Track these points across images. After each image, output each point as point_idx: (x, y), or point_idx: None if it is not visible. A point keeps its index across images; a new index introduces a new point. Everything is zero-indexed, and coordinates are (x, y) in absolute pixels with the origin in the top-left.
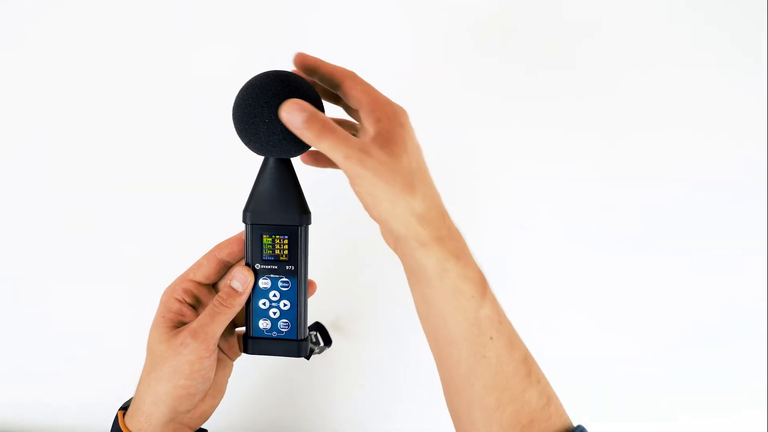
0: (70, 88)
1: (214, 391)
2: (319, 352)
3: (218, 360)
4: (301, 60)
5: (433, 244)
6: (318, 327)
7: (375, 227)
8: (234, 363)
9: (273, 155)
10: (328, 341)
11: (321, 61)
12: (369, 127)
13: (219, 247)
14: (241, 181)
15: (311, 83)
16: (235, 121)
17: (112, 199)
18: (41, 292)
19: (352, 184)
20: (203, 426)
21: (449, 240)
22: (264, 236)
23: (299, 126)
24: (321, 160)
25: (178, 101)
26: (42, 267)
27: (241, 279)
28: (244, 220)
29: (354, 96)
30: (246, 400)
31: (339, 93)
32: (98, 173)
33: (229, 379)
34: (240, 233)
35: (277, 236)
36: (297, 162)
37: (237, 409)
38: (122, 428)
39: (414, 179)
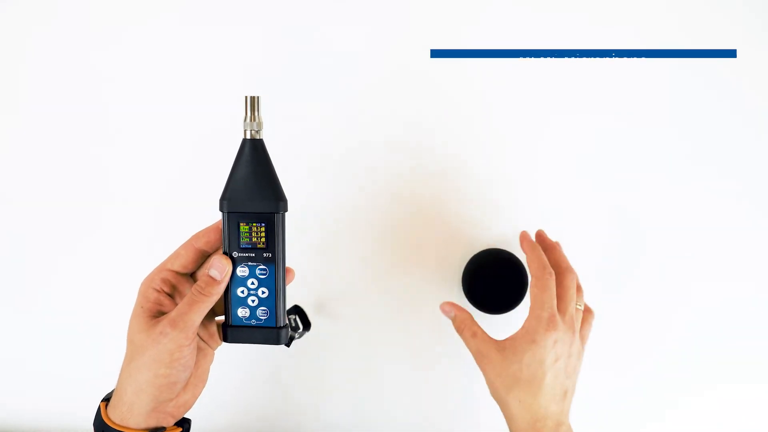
0: (45, 80)
1: (195, 380)
2: (299, 337)
3: (199, 349)
4: (521, 240)
5: None
6: (297, 310)
7: (354, 214)
8: (215, 352)
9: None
10: (307, 325)
11: (530, 251)
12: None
13: (196, 236)
14: (217, 171)
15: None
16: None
17: (88, 195)
18: (21, 292)
19: None
20: (186, 416)
21: None
22: (241, 224)
23: (450, 317)
24: None
25: (157, 93)
26: (18, 266)
27: (218, 267)
28: (221, 209)
29: (531, 295)
30: (230, 393)
31: None
32: (73, 169)
33: (209, 377)
34: (217, 222)
35: (254, 224)
36: (273, 149)
37: (220, 404)
38: (105, 419)
39: (515, 385)
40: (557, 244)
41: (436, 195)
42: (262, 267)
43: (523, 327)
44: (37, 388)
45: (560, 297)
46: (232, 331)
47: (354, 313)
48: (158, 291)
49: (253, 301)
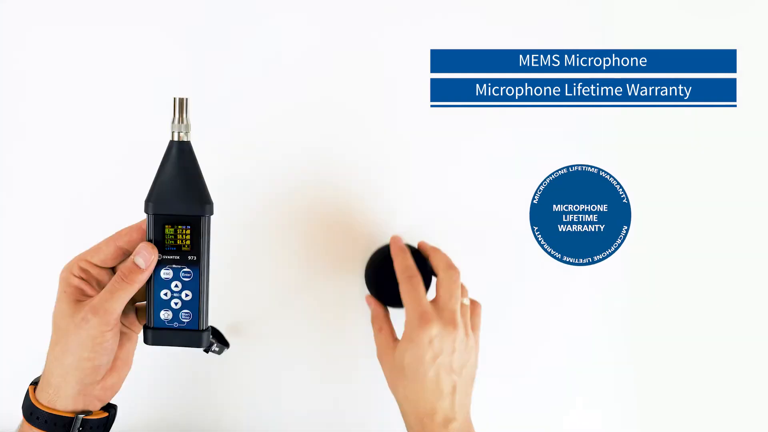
0: None
1: (120, 363)
2: (219, 352)
3: (122, 333)
4: (391, 244)
5: (407, 426)
6: (213, 332)
7: (281, 226)
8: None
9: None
10: (225, 343)
11: (396, 254)
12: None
13: (119, 234)
14: (142, 170)
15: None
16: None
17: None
18: None
19: None
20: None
21: (419, 429)
22: (166, 227)
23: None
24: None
25: (83, 90)
26: None
27: (144, 256)
28: (146, 210)
29: (402, 298)
30: (143, 401)
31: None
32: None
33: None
34: (140, 222)
35: (179, 226)
36: (200, 153)
37: (136, 410)
38: (33, 401)
39: (399, 379)
40: (437, 248)
41: (359, 203)
42: (187, 270)
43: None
44: None
45: (439, 294)
46: (154, 334)
47: (270, 330)
48: (78, 277)
49: (176, 303)
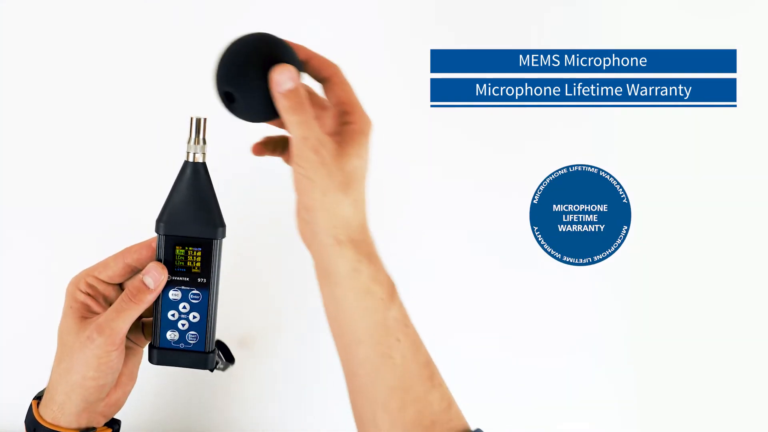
0: None
1: (125, 378)
2: (224, 369)
3: (127, 348)
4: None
5: (348, 245)
6: (219, 345)
7: (283, 238)
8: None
9: (239, 109)
10: (230, 359)
11: (312, 53)
12: (335, 123)
13: (128, 250)
14: (155, 185)
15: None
16: (226, 64)
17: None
18: None
19: (295, 165)
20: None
21: (363, 244)
22: (177, 247)
23: (282, 90)
24: (270, 149)
25: (100, 101)
26: None
27: (154, 276)
28: (157, 231)
29: (336, 94)
30: (148, 409)
31: (322, 85)
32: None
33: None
34: (150, 239)
35: (190, 248)
36: (215, 172)
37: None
38: (37, 418)
39: (351, 183)
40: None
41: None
42: (196, 292)
43: (345, 120)
44: None
45: (349, 95)
46: (160, 353)
47: (279, 343)
48: (84, 293)
49: (183, 325)
